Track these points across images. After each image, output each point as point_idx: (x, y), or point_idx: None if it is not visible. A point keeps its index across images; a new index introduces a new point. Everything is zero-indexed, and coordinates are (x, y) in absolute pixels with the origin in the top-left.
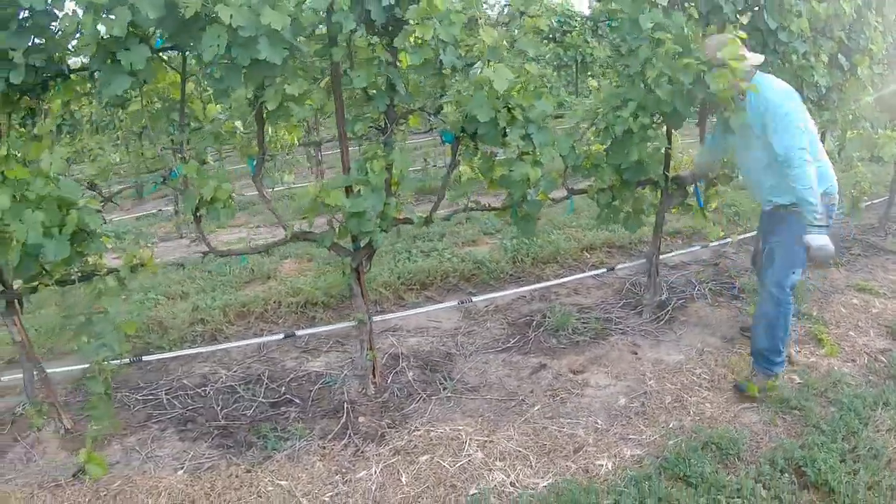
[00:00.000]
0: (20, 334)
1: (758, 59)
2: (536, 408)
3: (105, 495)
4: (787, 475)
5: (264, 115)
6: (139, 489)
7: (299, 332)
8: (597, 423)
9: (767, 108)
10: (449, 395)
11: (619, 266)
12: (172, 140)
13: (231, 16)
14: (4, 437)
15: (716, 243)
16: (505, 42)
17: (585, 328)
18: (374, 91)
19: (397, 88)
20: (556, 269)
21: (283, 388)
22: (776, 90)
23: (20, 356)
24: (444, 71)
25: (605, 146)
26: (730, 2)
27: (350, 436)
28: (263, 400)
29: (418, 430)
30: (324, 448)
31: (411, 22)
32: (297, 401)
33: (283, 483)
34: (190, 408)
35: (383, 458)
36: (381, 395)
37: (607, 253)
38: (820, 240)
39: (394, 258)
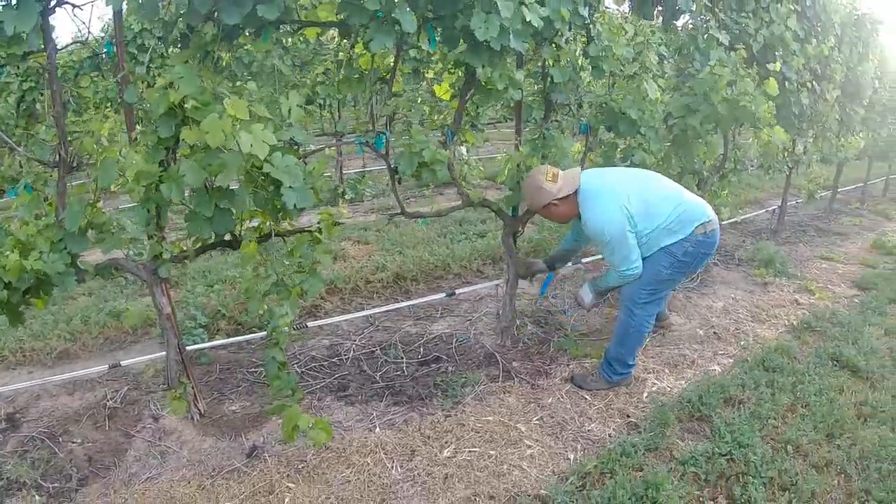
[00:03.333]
0: (168, 306)
1: (572, 181)
2: (647, 341)
3: (315, 461)
4: (828, 362)
5: (468, 95)
6: (350, 448)
7: (459, 291)
8: (693, 346)
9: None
10: (573, 339)
11: None
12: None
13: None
14: (110, 434)
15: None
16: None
17: None
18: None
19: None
20: None
21: (422, 349)
22: (594, 220)
23: (164, 332)
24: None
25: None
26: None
27: (514, 376)
28: (409, 361)
29: (570, 364)
30: (503, 387)
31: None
32: (444, 357)
33: (489, 418)
34: (336, 376)
35: (557, 386)
36: (516, 345)
37: None
38: (586, 296)
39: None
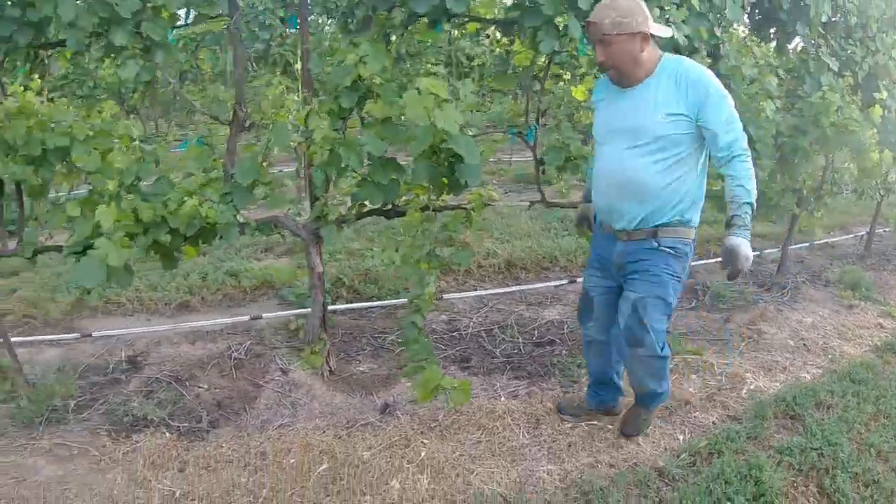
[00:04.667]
0: (320, 266)
1: (665, 31)
2: (743, 345)
3: (447, 422)
4: None
5: None
6: (479, 413)
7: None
8: (784, 355)
9: (692, 88)
10: (676, 336)
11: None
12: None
13: None
14: (238, 382)
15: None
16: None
17: (740, 296)
18: None
19: None
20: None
21: (536, 332)
22: (700, 71)
23: (311, 291)
24: None
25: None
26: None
27: None
28: (525, 341)
29: (673, 359)
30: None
31: None
32: (557, 340)
33: None
34: (457, 348)
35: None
36: None
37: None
38: (748, 246)
39: None
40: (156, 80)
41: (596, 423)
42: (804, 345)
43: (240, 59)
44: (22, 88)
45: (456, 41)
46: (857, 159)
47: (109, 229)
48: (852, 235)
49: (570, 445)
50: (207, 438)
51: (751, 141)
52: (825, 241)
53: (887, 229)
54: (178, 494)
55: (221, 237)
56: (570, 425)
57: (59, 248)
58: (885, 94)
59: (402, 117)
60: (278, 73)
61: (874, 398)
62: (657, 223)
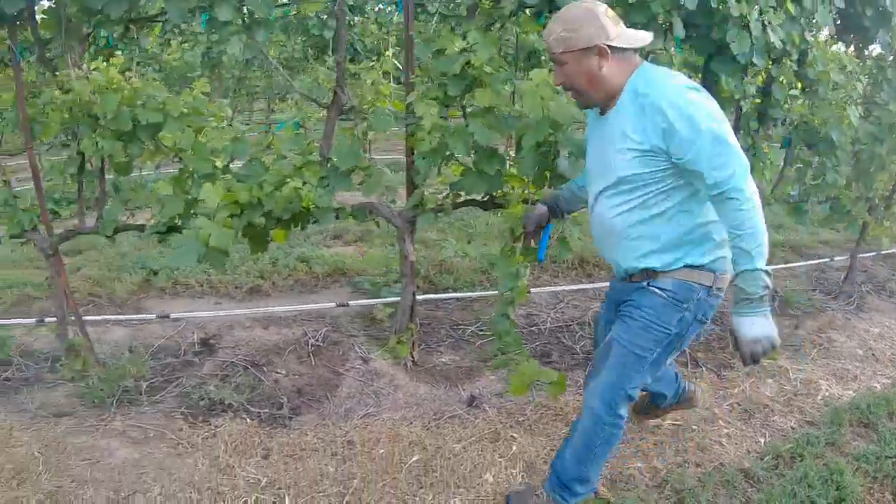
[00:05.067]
0: (413, 254)
1: (635, 39)
2: (814, 351)
3: (534, 416)
4: None
5: None
6: (566, 408)
7: None
8: (854, 363)
9: (651, 114)
10: None
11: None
12: None
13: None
14: (317, 370)
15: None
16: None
17: (808, 303)
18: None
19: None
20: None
21: None
22: (673, 92)
23: (403, 279)
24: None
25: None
26: None
27: (701, 365)
28: None
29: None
30: (692, 374)
31: None
32: None
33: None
34: (536, 343)
35: (741, 379)
36: (698, 338)
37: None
38: (760, 326)
39: None
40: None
41: (680, 422)
42: (873, 355)
43: (342, 42)
44: (104, 64)
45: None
46: None
47: (212, 209)
48: None
49: (656, 444)
50: (290, 426)
51: (832, 147)
52: (889, 251)
53: None
54: (263, 482)
55: (316, 221)
56: (654, 423)
57: (140, 228)
58: None
59: (506, 108)
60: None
61: None
62: (650, 268)
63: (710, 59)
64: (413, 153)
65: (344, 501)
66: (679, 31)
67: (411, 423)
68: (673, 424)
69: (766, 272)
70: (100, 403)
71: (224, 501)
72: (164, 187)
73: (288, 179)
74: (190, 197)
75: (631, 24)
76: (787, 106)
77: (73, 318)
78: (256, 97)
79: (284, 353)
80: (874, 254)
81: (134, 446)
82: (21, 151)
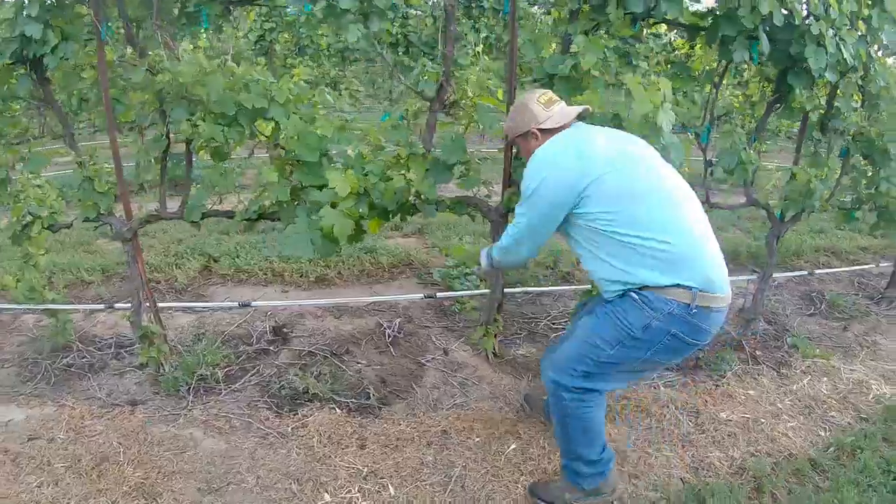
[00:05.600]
0: None
1: (564, 116)
2: (862, 353)
3: (615, 406)
4: None
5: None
6: (645, 401)
7: None
8: (891, 369)
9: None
10: (805, 339)
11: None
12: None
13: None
14: (398, 360)
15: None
16: None
17: (853, 307)
18: None
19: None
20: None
21: None
22: (532, 159)
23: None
24: None
25: None
26: None
27: (761, 362)
28: None
29: (804, 361)
30: (753, 370)
31: None
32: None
33: (751, 392)
34: None
35: (798, 377)
36: (755, 337)
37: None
38: (483, 258)
39: None
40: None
41: (749, 415)
42: None
43: (451, 37)
44: (191, 47)
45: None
46: None
47: (340, 197)
48: None
49: (730, 435)
50: (380, 415)
51: (888, 158)
52: None
53: None
54: (364, 472)
55: (420, 213)
56: (724, 416)
57: (228, 214)
58: None
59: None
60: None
61: None
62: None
63: (785, 72)
64: (512, 149)
65: (447, 490)
66: (765, 46)
67: (502, 411)
68: (742, 417)
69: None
70: (174, 392)
71: (326, 491)
72: (269, 174)
73: (390, 171)
74: (295, 185)
75: (721, 37)
76: (846, 118)
77: (147, 304)
78: (344, 87)
79: (362, 343)
80: None
81: (220, 436)
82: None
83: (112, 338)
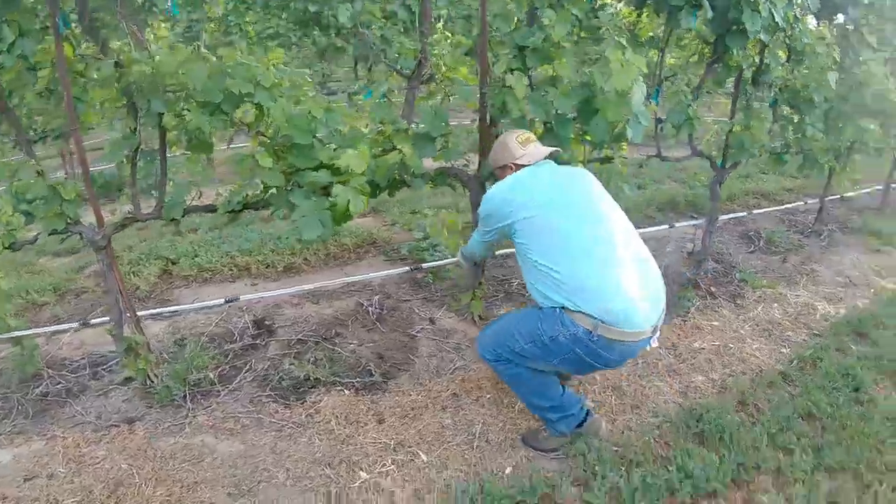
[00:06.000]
0: None
1: (537, 154)
2: (804, 280)
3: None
4: None
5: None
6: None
7: None
8: (838, 288)
9: None
10: (752, 274)
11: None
12: None
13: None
14: (389, 335)
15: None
16: None
17: (788, 242)
18: None
19: None
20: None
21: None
22: (491, 188)
23: None
24: None
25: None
26: None
27: (717, 296)
28: None
29: (755, 291)
30: (713, 304)
31: None
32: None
33: (715, 323)
34: None
35: (753, 306)
36: (707, 275)
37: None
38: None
39: None
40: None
41: (718, 343)
42: (850, 281)
43: (427, 14)
44: (152, 36)
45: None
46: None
47: (357, 175)
48: (867, 191)
49: (707, 360)
50: (388, 389)
51: (812, 106)
52: (850, 194)
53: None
54: (392, 444)
55: (410, 186)
56: (698, 345)
57: (210, 208)
58: None
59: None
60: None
61: None
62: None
63: (723, 35)
64: (489, 120)
65: (474, 447)
66: (708, 12)
67: None
68: (713, 344)
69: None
70: (170, 402)
71: (361, 469)
72: (263, 159)
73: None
74: (289, 169)
75: (668, 7)
76: (774, 72)
77: (128, 314)
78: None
79: (348, 325)
80: (837, 197)
81: (233, 438)
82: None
83: (83, 358)
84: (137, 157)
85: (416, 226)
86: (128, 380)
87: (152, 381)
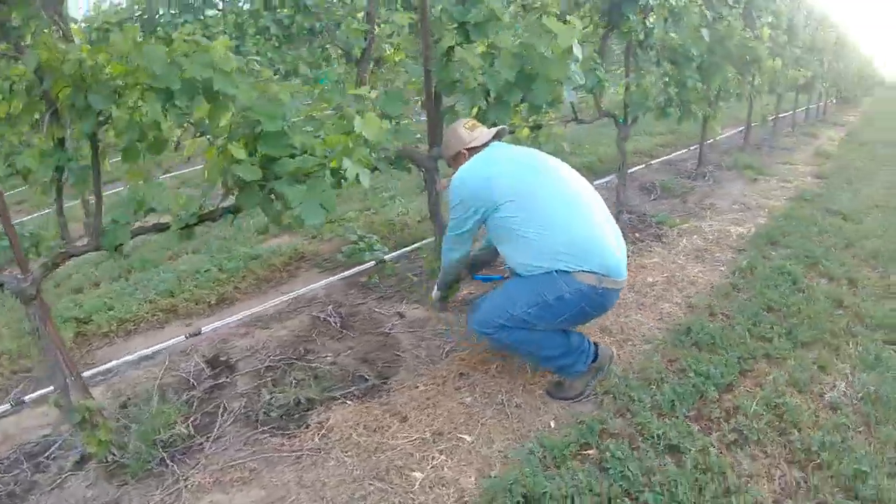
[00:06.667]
0: (442, 186)
1: (485, 136)
2: (708, 213)
3: None
4: (826, 213)
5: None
6: None
7: None
8: (738, 214)
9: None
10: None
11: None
12: None
13: None
14: (362, 338)
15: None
16: None
17: (680, 186)
18: None
19: None
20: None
21: None
22: (455, 176)
23: (434, 220)
24: None
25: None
26: None
27: (644, 239)
28: None
29: (673, 229)
30: (646, 245)
31: None
32: None
33: (655, 259)
34: None
35: (676, 240)
36: (627, 224)
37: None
38: (434, 292)
39: None
40: None
41: (665, 275)
42: (746, 206)
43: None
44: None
45: None
46: (756, 68)
47: (372, 142)
48: (726, 135)
49: (664, 290)
50: (392, 388)
51: (690, 60)
52: (721, 137)
53: (754, 124)
54: (429, 437)
55: (377, 169)
56: (651, 279)
57: (162, 227)
58: (770, 19)
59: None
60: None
61: (806, 223)
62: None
63: (619, 4)
64: (438, 98)
65: (508, 414)
66: None
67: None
68: (662, 277)
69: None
70: (146, 473)
71: (414, 470)
72: (236, 151)
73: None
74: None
75: None
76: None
77: (72, 378)
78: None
79: (314, 338)
80: (710, 142)
81: (247, 486)
82: None
83: (13, 451)
84: (63, 176)
85: (344, 230)
86: (81, 461)
87: (114, 455)
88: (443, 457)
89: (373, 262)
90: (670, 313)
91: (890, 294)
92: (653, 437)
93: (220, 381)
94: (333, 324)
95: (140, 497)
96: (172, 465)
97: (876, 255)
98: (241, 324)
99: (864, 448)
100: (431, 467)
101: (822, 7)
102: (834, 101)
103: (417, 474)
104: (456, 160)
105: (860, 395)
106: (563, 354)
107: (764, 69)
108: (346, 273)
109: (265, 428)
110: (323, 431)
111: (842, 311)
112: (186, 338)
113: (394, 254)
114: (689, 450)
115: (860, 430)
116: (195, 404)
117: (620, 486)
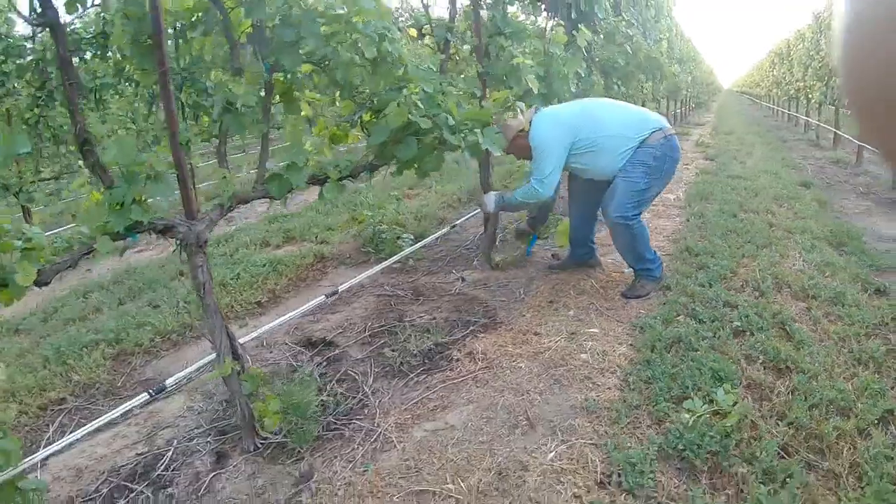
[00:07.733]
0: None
1: (529, 115)
2: None
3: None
4: (727, 177)
5: None
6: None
7: None
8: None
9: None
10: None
11: None
12: None
13: None
14: (441, 303)
15: None
16: None
17: None
18: None
19: None
20: None
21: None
22: (534, 129)
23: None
24: None
25: None
26: None
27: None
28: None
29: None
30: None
31: None
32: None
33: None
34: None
35: None
36: None
37: None
38: (489, 202)
39: None
40: None
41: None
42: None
43: None
44: None
45: None
46: (661, 75)
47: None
48: None
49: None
50: (501, 322)
51: (616, 69)
52: None
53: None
54: (565, 336)
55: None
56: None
57: (322, 179)
58: (667, 34)
59: None
60: None
61: (721, 185)
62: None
63: (577, 19)
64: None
65: (604, 315)
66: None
67: (554, 280)
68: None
69: (501, 207)
70: (317, 437)
71: (580, 353)
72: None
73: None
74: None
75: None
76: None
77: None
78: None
79: (397, 307)
80: None
81: (450, 408)
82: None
83: (103, 481)
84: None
85: (367, 220)
86: (219, 459)
87: (263, 439)
88: (591, 342)
89: (410, 248)
90: (661, 247)
91: (798, 217)
92: (710, 301)
93: (333, 352)
94: (405, 295)
95: (328, 460)
96: (356, 422)
97: (778, 198)
98: (307, 312)
99: (835, 281)
100: (588, 350)
101: (683, 24)
102: (693, 105)
103: (583, 355)
104: (514, 143)
105: (814, 263)
106: (652, 259)
107: (666, 74)
108: (385, 264)
109: (415, 374)
110: (480, 355)
111: (774, 228)
112: (327, 297)
113: (423, 241)
114: (737, 304)
115: (827, 276)
116: (320, 376)
117: (705, 325)
